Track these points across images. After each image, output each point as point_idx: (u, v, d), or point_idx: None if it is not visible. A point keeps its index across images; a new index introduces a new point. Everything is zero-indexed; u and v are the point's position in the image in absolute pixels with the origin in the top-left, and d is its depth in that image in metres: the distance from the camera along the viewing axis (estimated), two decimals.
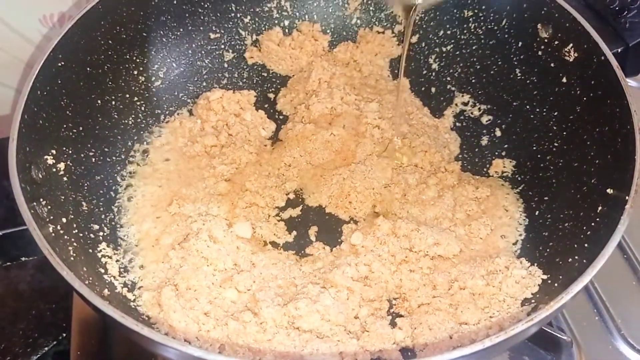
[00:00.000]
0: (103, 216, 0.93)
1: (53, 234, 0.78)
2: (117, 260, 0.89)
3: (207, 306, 0.83)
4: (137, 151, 1.04)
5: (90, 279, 0.79)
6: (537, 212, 0.95)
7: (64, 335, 0.96)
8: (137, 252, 0.92)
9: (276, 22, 1.19)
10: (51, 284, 1.00)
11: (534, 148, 1.00)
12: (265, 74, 1.19)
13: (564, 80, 0.95)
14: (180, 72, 1.13)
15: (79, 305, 0.92)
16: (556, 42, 0.96)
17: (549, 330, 0.86)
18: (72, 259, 0.78)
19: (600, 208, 0.81)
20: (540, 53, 0.99)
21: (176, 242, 0.91)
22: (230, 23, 1.16)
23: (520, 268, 0.85)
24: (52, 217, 0.80)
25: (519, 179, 1.01)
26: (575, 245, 0.82)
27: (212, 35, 1.15)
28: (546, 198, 0.95)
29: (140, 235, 0.94)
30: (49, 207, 0.80)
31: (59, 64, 0.90)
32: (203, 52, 1.15)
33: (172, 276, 0.86)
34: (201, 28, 1.14)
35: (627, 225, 0.72)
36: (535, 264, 0.86)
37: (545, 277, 0.83)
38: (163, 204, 0.98)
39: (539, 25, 0.98)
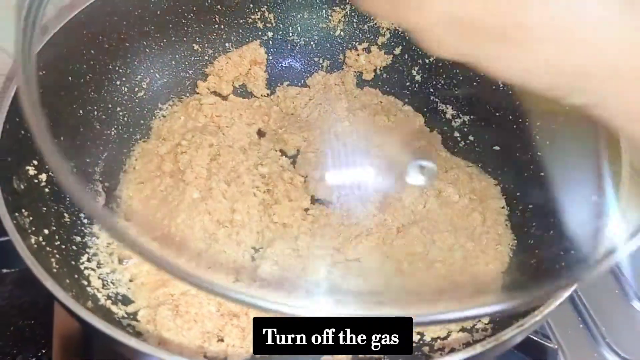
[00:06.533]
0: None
1: (35, 245, 0.76)
2: (101, 273, 0.87)
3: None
4: (120, 162, 1.02)
5: (74, 291, 0.77)
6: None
7: (44, 351, 0.91)
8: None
9: (260, 34, 1.18)
10: (30, 299, 0.96)
11: (521, 160, 1.00)
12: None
13: None
14: (164, 82, 1.12)
15: (60, 321, 0.89)
16: None
17: (534, 338, 0.86)
18: (54, 270, 0.76)
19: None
20: None
21: None
22: (214, 35, 1.16)
23: None
24: (34, 229, 0.78)
25: (502, 188, 1.01)
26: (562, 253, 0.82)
27: (196, 47, 1.15)
28: (531, 206, 0.95)
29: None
30: (31, 218, 0.78)
31: (41, 73, 0.87)
32: (187, 63, 1.14)
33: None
34: (184, 39, 1.13)
35: None
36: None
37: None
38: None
39: None
